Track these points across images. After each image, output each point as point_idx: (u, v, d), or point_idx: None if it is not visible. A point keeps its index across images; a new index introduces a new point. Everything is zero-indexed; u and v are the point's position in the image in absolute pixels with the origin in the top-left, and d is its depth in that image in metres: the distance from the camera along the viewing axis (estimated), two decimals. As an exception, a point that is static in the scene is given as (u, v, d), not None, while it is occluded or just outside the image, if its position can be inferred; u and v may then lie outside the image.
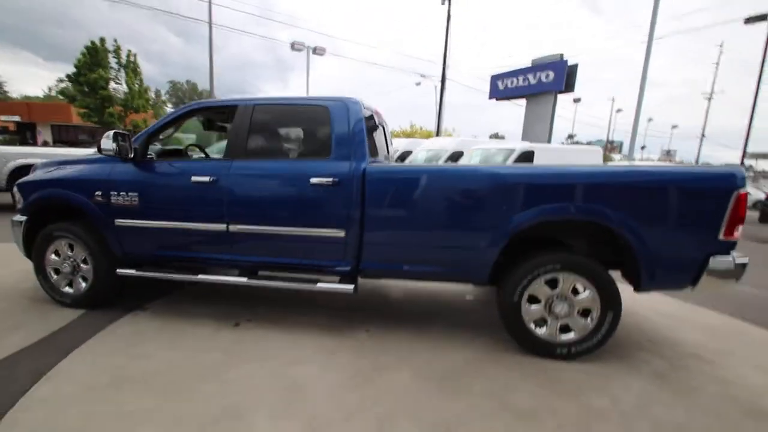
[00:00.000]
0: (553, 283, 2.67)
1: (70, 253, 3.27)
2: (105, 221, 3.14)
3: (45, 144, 24.33)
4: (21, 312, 3.21)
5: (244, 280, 3.03)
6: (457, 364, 2.64)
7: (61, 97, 27.49)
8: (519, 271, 2.67)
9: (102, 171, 3.16)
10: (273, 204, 2.96)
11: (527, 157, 9.10)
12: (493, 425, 2.04)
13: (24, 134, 26.89)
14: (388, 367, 2.57)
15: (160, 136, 3.36)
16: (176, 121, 3.31)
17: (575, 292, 2.66)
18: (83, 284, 3.30)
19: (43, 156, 7.71)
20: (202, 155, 4.30)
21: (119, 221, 3.11)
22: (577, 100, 41.92)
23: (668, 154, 54.22)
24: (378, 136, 3.51)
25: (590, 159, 10.27)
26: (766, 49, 17.90)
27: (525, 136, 17.02)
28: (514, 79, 17.86)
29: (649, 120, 51.43)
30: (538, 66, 16.70)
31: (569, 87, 16.11)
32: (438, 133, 20.75)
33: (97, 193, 3.11)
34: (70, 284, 3.34)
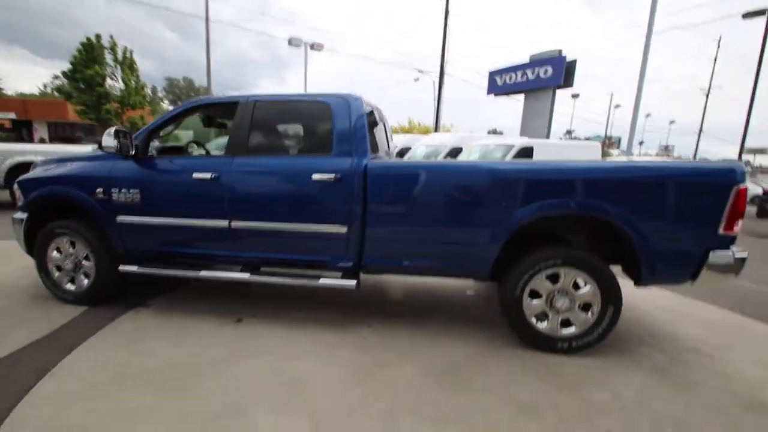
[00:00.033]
0: (554, 278, 2.68)
1: (71, 250, 3.27)
2: (106, 218, 3.13)
3: (42, 141, 24.23)
4: (23, 309, 3.21)
5: (246, 276, 3.04)
6: (458, 359, 2.66)
7: (57, 94, 27.31)
8: (521, 266, 2.68)
9: (103, 168, 3.15)
10: (275, 200, 2.96)
11: (526, 152, 9.10)
12: (495, 419, 2.05)
13: (20, 131, 26.74)
14: (390, 363, 2.59)
15: (161, 133, 3.35)
16: (177, 118, 3.31)
17: (576, 286, 2.68)
18: (85, 281, 3.30)
19: (40, 153, 7.68)
20: (203, 152, 4.29)
21: (121, 218, 3.11)
22: (575, 96, 41.98)
23: (666, 149, 54.32)
24: (378, 132, 3.51)
25: (589, 154, 10.27)
26: (763, 44, 17.90)
27: (523, 132, 16.98)
28: (513, 75, 17.79)
29: (647, 115, 51.44)
30: (536, 61, 16.64)
31: (568, 82, 16.06)
32: (436, 129, 20.71)
33: (98, 190, 3.11)
34: (72, 281, 3.34)
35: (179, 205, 3.07)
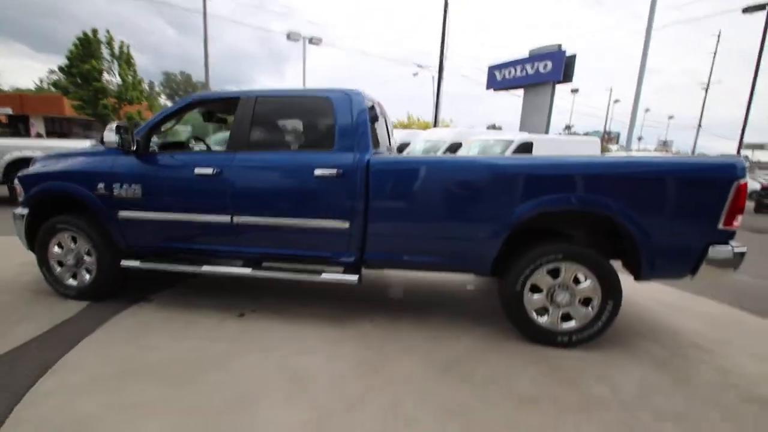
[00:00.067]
0: (554, 273, 2.70)
1: (73, 245, 3.27)
2: (108, 213, 3.13)
3: (38, 136, 24.06)
4: (25, 305, 3.22)
5: (248, 271, 3.04)
6: (459, 353, 2.68)
7: (53, 89, 27.08)
8: (522, 261, 2.70)
9: (104, 164, 3.15)
10: (277, 195, 2.97)
11: (526, 147, 9.11)
12: (496, 413, 2.08)
13: (17, 126, 26.55)
14: (392, 357, 2.61)
15: (162, 129, 3.34)
16: (178, 114, 3.30)
17: (576, 281, 2.70)
18: (87, 276, 3.30)
19: (38, 149, 7.63)
20: (204, 147, 4.28)
21: (122, 213, 3.11)
22: (575, 91, 41.85)
23: (665, 144, 54.32)
24: (380, 127, 3.51)
25: (588, 150, 10.29)
26: (763, 39, 17.87)
27: (522, 127, 16.97)
28: (512, 69, 17.75)
29: (647, 110, 51.38)
30: (536, 56, 16.59)
31: (567, 77, 16.03)
32: (435, 124, 20.66)
33: (99, 185, 3.10)
34: (73, 276, 3.34)
35: (181, 201, 3.07)
